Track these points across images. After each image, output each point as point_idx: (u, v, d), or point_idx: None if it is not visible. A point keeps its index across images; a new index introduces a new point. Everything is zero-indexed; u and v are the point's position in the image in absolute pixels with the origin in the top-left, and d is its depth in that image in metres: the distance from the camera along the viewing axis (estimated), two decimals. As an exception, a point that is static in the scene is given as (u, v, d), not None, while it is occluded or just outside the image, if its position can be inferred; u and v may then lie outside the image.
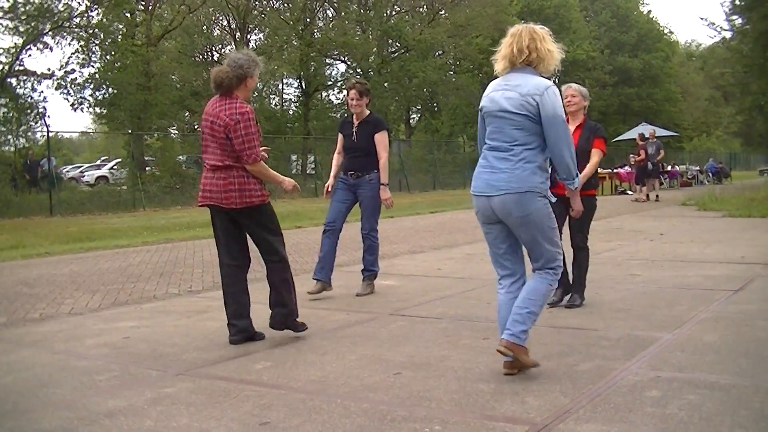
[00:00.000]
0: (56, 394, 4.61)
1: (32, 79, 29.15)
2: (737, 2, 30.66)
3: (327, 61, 45.57)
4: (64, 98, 30.76)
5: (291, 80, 45.90)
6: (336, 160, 8.03)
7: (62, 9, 28.89)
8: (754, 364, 4.81)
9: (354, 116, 7.84)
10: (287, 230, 8.55)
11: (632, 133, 33.68)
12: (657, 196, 24.34)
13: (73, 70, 30.29)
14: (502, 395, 4.27)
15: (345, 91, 7.99)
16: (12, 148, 27.90)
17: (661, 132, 33.98)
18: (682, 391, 4.24)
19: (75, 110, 32.45)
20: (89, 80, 30.78)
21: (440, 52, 48.72)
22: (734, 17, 32.48)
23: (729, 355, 5.00)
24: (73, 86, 30.37)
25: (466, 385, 4.48)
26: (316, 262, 7.75)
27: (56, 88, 30.09)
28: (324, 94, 46.27)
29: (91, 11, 29.90)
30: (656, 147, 24.58)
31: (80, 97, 30.86)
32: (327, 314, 6.80)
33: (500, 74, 4.72)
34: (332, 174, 8.05)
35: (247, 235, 5.86)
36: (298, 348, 5.59)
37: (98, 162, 44.08)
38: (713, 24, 34.32)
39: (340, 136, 7.94)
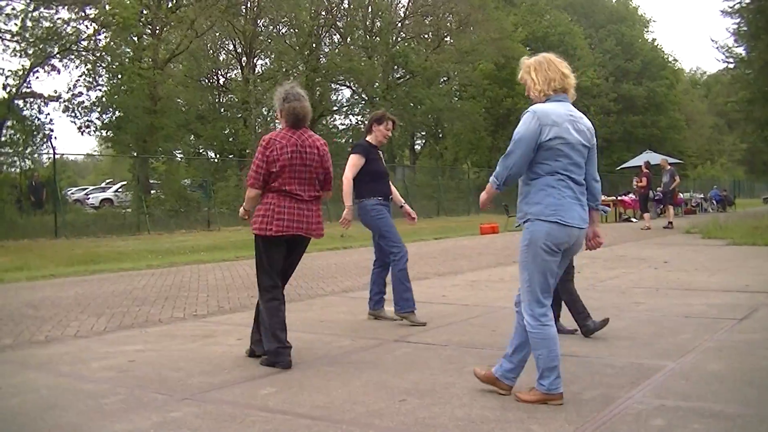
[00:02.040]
0: (62, 417, 4.62)
1: (39, 101, 29.33)
2: (741, 30, 30.86)
3: (332, 86, 45.82)
4: (71, 121, 30.91)
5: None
6: (352, 185, 7.67)
7: (70, 32, 29.10)
8: (759, 393, 4.81)
9: (376, 143, 7.82)
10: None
11: (638, 161, 33.74)
12: (671, 223, 24.17)
13: (81, 93, 30.48)
14: (507, 423, 4.27)
15: (374, 122, 7.70)
16: (18, 170, 28.03)
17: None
18: (687, 420, 4.24)
19: (82, 133, 32.62)
20: (96, 103, 30.94)
21: (445, 79, 48.93)
22: (735, 45, 32.69)
23: (734, 385, 4.99)
24: (80, 109, 30.54)
25: (471, 413, 4.48)
26: (409, 292, 7.59)
27: (63, 111, 30.26)
28: (329, 119, 46.46)
29: (99, 35, 30.12)
30: (670, 175, 24.59)
31: (87, 120, 31.01)
32: (332, 340, 6.81)
33: (542, 99, 4.69)
34: (350, 204, 7.65)
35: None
36: (304, 373, 5.60)
37: (103, 185, 44.18)
38: (722, 47, 34.37)
39: (362, 160, 7.63)
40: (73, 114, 30.54)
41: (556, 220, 4.52)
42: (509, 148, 4.58)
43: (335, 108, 46.48)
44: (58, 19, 28.50)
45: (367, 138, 7.83)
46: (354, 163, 7.61)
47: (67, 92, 30.44)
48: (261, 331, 5.90)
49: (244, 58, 41.06)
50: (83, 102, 30.67)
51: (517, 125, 4.61)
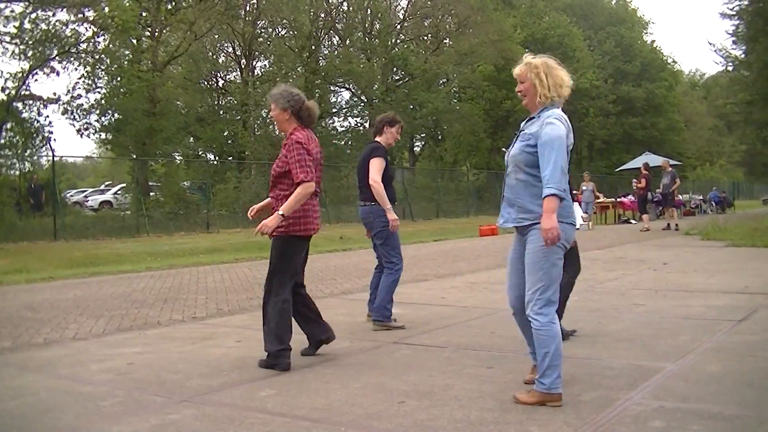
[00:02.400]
0: (61, 419, 4.62)
1: (38, 103, 29.27)
2: (740, 32, 30.88)
3: (332, 88, 45.82)
4: (71, 123, 30.87)
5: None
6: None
7: (69, 34, 29.04)
8: (758, 394, 4.81)
9: (385, 145, 7.71)
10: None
11: (637, 163, 33.76)
12: (677, 225, 24.09)
13: (80, 96, 30.44)
14: (506, 425, 4.27)
15: (386, 123, 7.64)
16: (17, 173, 27.97)
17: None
18: (686, 422, 4.23)
19: (81, 136, 32.49)
20: (95, 105, 30.91)
21: (444, 80, 48.93)
22: (734, 47, 32.71)
23: (733, 386, 4.99)
24: (79, 111, 30.51)
25: (470, 414, 4.48)
26: (391, 303, 7.64)
27: (62, 113, 30.21)
28: (328, 121, 46.43)
29: (98, 37, 30.06)
30: (671, 177, 24.57)
31: (86, 123, 30.97)
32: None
33: (545, 103, 4.68)
34: (389, 206, 7.49)
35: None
36: (303, 375, 5.59)
37: (102, 187, 44.12)
38: (720, 50, 34.41)
39: (384, 163, 7.54)
40: (72, 116, 30.51)
41: (570, 221, 4.61)
42: (552, 155, 4.40)
43: (334, 110, 46.45)
44: (56, 21, 28.50)
45: (377, 139, 7.71)
46: (381, 166, 7.47)
47: (66, 94, 30.42)
48: (264, 330, 5.86)
49: (243, 61, 41.02)
50: (82, 104, 30.66)
51: (549, 130, 4.48)
